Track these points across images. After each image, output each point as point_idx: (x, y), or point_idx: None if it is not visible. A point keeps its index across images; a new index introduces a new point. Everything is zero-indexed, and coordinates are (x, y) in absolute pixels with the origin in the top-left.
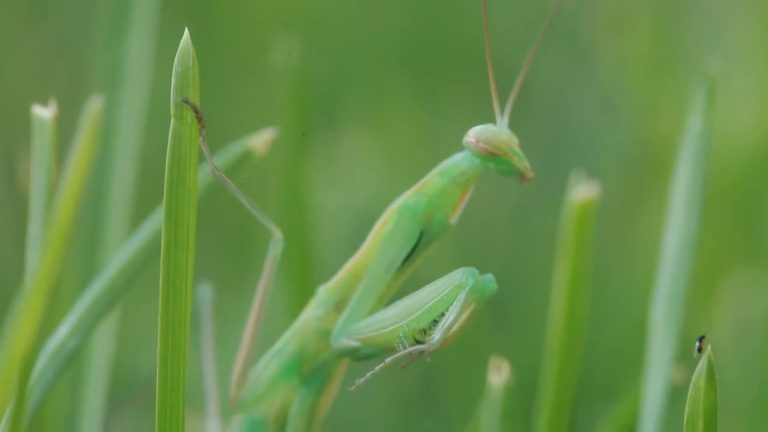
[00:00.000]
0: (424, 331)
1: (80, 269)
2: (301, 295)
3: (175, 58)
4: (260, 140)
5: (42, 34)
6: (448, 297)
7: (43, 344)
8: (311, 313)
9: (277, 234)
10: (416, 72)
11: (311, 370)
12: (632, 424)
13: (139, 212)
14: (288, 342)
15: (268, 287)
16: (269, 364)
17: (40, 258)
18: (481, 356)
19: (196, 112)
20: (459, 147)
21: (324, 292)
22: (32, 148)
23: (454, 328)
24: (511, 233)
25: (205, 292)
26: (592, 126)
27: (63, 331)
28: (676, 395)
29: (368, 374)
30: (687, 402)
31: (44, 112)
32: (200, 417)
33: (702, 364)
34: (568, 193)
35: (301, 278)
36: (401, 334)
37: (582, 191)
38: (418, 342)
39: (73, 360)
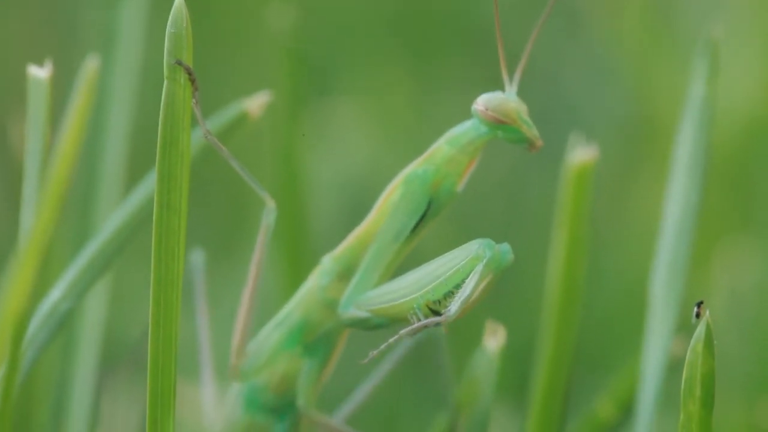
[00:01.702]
0: (438, 302)
1: (73, 232)
2: (294, 263)
3: (169, 19)
4: (255, 103)
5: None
6: (465, 269)
7: (36, 306)
8: (315, 282)
9: (270, 203)
10: (411, 42)
11: (315, 339)
12: (631, 395)
13: (133, 175)
14: (291, 311)
15: (262, 256)
16: (272, 334)
17: (34, 219)
18: (476, 322)
19: (189, 74)
20: (451, 119)
21: (328, 261)
22: (27, 109)
23: (472, 299)
24: (506, 200)
25: (198, 258)
26: (587, 95)
27: (56, 293)
28: (675, 366)
29: (382, 346)
30: (685, 367)
31: (40, 73)
32: (192, 381)
33: (700, 330)
34: (566, 155)
35: (294, 247)
36: (415, 306)
37: (580, 154)
38: (433, 313)
39: (65, 323)
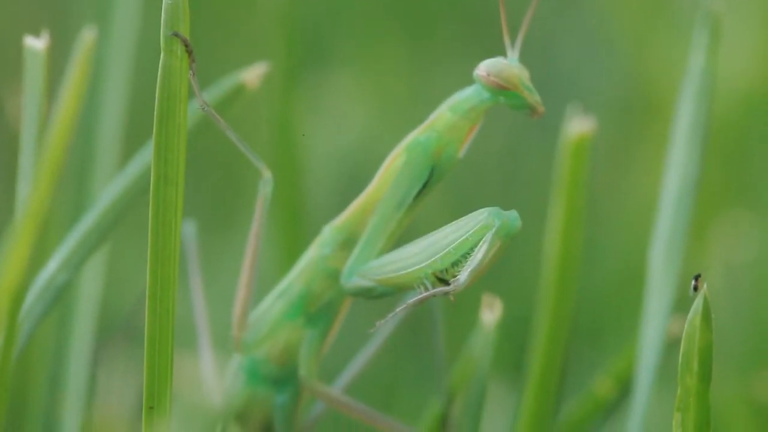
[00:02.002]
0: (446, 270)
1: (70, 204)
2: (291, 234)
3: None
4: (252, 74)
5: None
6: (473, 237)
7: (33, 278)
8: (317, 252)
9: (267, 174)
10: (407, 15)
11: (317, 310)
12: (629, 370)
13: (130, 147)
14: (293, 282)
15: (261, 227)
16: (274, 305)
17: (31, 191)
18: (473, 295)
19: (186, 46)
20: (447, 91)
21: (329, 230)
22: (24, 80)
23: (481, 267)
24: (503, 172)
25: (190, 228)
26: (584, 67)
27: (53, 265)
28: (674, 343)
29: (389, 315)
30: (682, 341)
31: (36, 44)
32: (190, 353)
33: (698, 303)
34: (563, 127)
35: (291, 218)
36: (422, 275)
37: (578, 125)
38: (440, 281)
39: (62, 295)
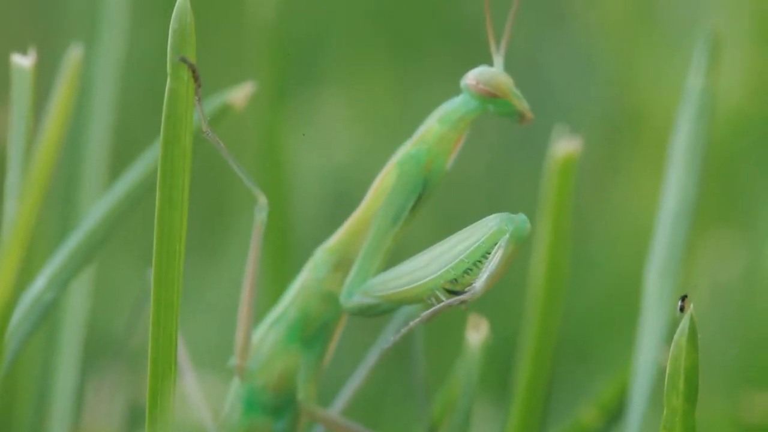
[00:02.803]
0: (455, 280)
1: (57, 221)
2: (280, 254)
3: (173, 16)
4: (239, 94)
5: None
6: (486, 243)
7: (20, 296)
8: (310, 275)
9: (262, 200)
10: (393, 34)
11: (313, 333)
12: (617, 395)
13: (117, 165)
14: (289, 307)
15: (257, 255)
16: (270, 332)
17: (17, 209)
18: (459, 315)
19: (193, 71)
20: (433, 109)
21: (322, 253)
22: (11, 98)
23: (497, 273)
24: (489, 192)
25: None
26: (570, 85)
27: (40, 283)
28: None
29: (403, 329)
30: (668, 361)
31: (23, 61)
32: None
33: (684, 324)
34: (550, 147)
35: (279, 237)
36: (434, 287)
37: (564, 146)
38: (451, 292)
39: (49, 313)
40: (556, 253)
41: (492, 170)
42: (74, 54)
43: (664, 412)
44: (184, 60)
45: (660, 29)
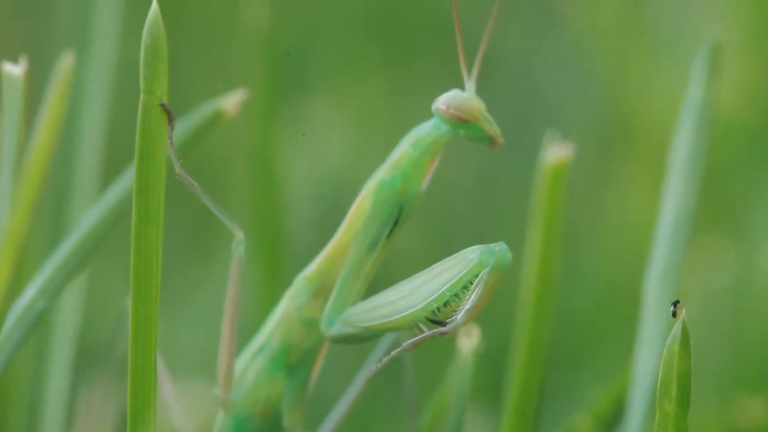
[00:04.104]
0: (437, 310)
1: (48, 230)
2: (271, 262)
3: (144, 29)
4: (230, 102)
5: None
6: (466, 276)
7: (11, 305)
8: (291, 303)
9: (239, 234)
10: (384, 42)
11: (297, 360)
12: (613, 404)
13: (108, 173)
14: (271, 336)
15: (237, 289)
16: (254, 361)
17: (8, 217)
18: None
19: (168, 113)
20: (425, 118)
21: (301, 281)
22: (1, 106)
23: (478, 305)
24: (479, 200)
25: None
26: (561, 93)
27: (31, 292)
28: None
29: (384, 359)
30: (661, 366)
31: (14, 69)
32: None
33: (676, 329)
34: (541, 154)
35: (270, 245)
36: (416, 318)
37: (556, 152)
38: (433, 322)
39: (40, 322)
40: (548, 260)
41: (483, 177)
42: (66, 62)
43: (657, 417)
44: (162, 105)
45: (652, 36)
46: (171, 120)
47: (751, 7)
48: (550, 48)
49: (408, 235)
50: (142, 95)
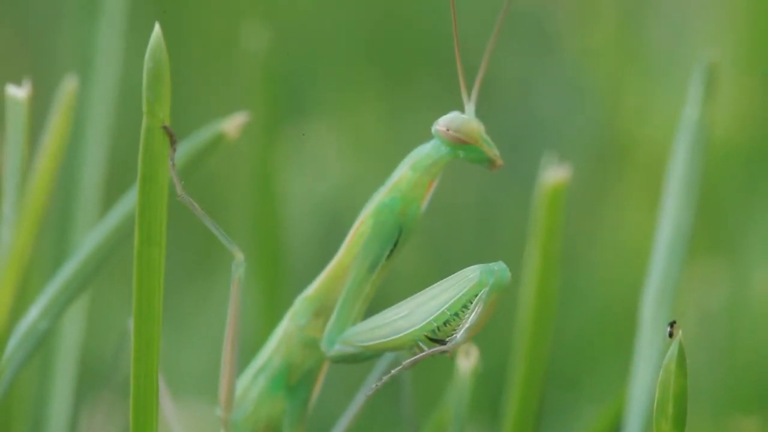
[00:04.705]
0: (437, 329)
1: (51, 252)
2: (271, 282)
3: (146, 54)
4: (232, 124)
5: (5, 26)
6: (466, 295)
7: (14, 325)
8: (292, 324)
9: (239, 255)
10: (383, 65)
11: (298, 379)
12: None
13: (111, 195)
14: (272, 356)
15: (237, 311)
16: (255, 381)
17: (12, 238)
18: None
19: (170, 135)
20: (423, 139)
21: (302, 302)
22: (5, 129)
23: (478, 324)
24: (477, 222)
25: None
26: (558, 116)
27: (34, 312)
28: None
29: (384, 378)
30: (657, 386)
31: (18, 92)
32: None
33: (673, 349)
34: (538, 176)
35: (271, 266)
36: (415, 337)
37: (553, 174)
38: (433, 341)
39: (43, 342)
40: (546, 280)
41: (481, 199)
42: (69, 85)
43: None
44: (165, 128)
45: (647, 59)
46: (173, 142)
47: (746, 30)
48: (546, 71)
49: (408, 256)
50: (144, 118)
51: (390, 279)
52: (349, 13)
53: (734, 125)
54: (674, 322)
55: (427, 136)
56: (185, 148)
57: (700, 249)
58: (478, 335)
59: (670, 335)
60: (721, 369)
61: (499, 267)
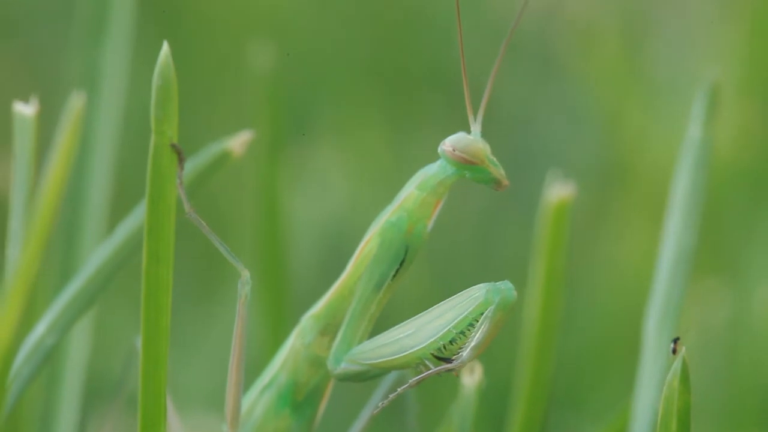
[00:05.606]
0: (443, 347)
1: (58, 268)
2: (275, 302)
3: (155, 72)
4: (237, 142)
5: (13, 46)
6: (472, 314)
7: (22, 341)
8: (298, 341)
9: (245, 273)
10: (386, 84)
11: (304, 396)
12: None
13: (117, 211)
14: (278, 373)
15: (243, 329)
16: (262, 398)
17: (20, 255)
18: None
19: (179, 153)
20: (427, 159)
21: (308, 320)
22: (13, 145)
23: (484, 343)
24: (479, 243)
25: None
26: (560, 139)
27: (41, 328)
28: None
29: (391, 395)
30: (661, 402)
31: (26, 109)
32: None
33: (676, 365)
34: (543, 193)
35: (275, 284)
36: (422, 355)
37: (558, 190)
38: (439, 359)
39: (50, 358)
40: (550, 297)
41: (484, 218)
42: (76, 102)
43: None
44: (173, 146)
45: (650, 82)
46: (181, 160)
47: (749, 52)
48: (549, 93)
49: (414, 274)
50: (153, 136)
51: (396, 298)
52: (354, 33)
53: (737, 145)
54: (678, 339)
55: (431, 156)
56: (191, 166)
57: (703, 268)
58: (482, 352)
59: (674, 352)
60: (724, 386)
61: (505, 286)
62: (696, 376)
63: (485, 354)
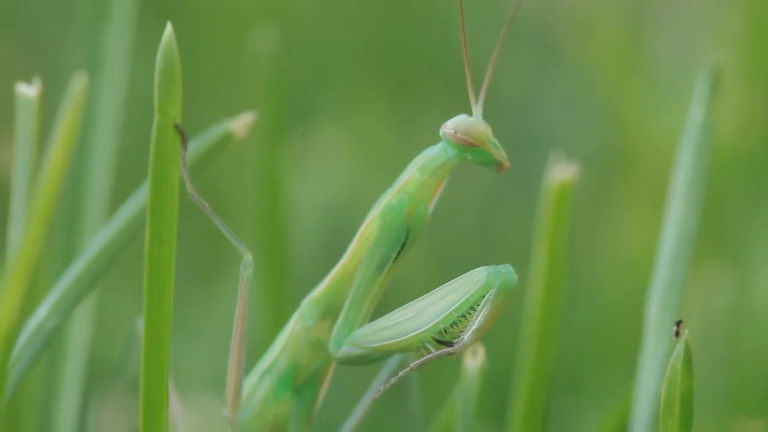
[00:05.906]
0: (444, 331)
1: (60, 250)
2: (277, 285)
3: (158, 53)
4: (240, 123)
5: (15, 30)
6: (473, 297)
7: (23, 324)
8: (298, 325)
9: (248, 256)
10: (389, 69)
11: (305, 380)
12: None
13: (119, 194)
14: (279, 357)
15: (245, 311)
16: (262, 382)
17: (22, 237)
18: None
19: (182, 134)
20: (428, 142)
21: (308, 304)
22: (15, 127)
23: (485, 326)
24: (481, 226)
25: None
26: (561, 123)
27: (43, 311)
28: None
29: (392, 379)
30: (664, 385)
31: (28, 91)
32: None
33: (679, 348)
34: (546, 174)
35: (277, 269)
36: (423, 339)
37: (561, 172)
38: (440, 342)
39: (52, 341)
40: (553, 279)
41: (486, 202)
42: (78, 83)
43: None
44: (176, 126)
45: (651, 67)
46: (184, 141)
47: (751, 37)
48: (551, 78)
49: (415, 258)
50: (156, 116)
51: (397, 281)
52: (357, 18)
53: (739, 130)
54: (680, 322)
55: (433, 140)
56: (193, 148)
57: (705, 253)
58: (485, 335)
59: (677, 334)
60: (725, 371)
61: (506, 269)
62: (697, 361)
63: (487, 337)
